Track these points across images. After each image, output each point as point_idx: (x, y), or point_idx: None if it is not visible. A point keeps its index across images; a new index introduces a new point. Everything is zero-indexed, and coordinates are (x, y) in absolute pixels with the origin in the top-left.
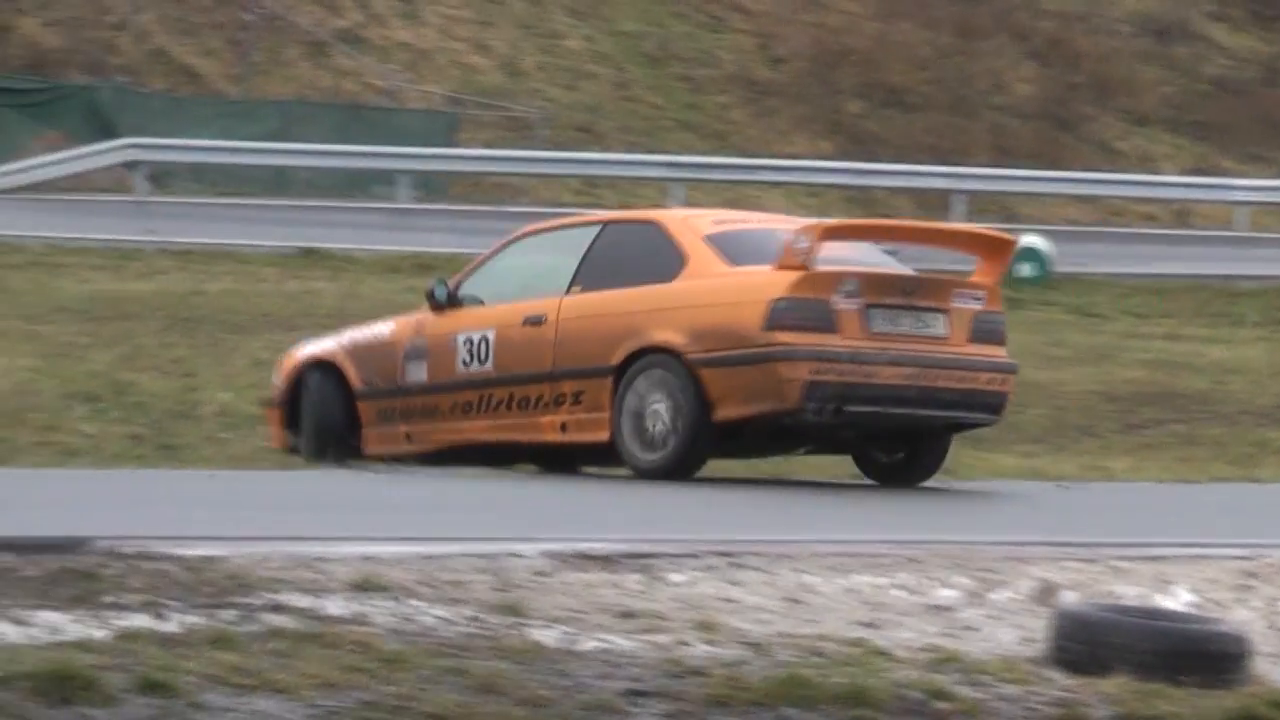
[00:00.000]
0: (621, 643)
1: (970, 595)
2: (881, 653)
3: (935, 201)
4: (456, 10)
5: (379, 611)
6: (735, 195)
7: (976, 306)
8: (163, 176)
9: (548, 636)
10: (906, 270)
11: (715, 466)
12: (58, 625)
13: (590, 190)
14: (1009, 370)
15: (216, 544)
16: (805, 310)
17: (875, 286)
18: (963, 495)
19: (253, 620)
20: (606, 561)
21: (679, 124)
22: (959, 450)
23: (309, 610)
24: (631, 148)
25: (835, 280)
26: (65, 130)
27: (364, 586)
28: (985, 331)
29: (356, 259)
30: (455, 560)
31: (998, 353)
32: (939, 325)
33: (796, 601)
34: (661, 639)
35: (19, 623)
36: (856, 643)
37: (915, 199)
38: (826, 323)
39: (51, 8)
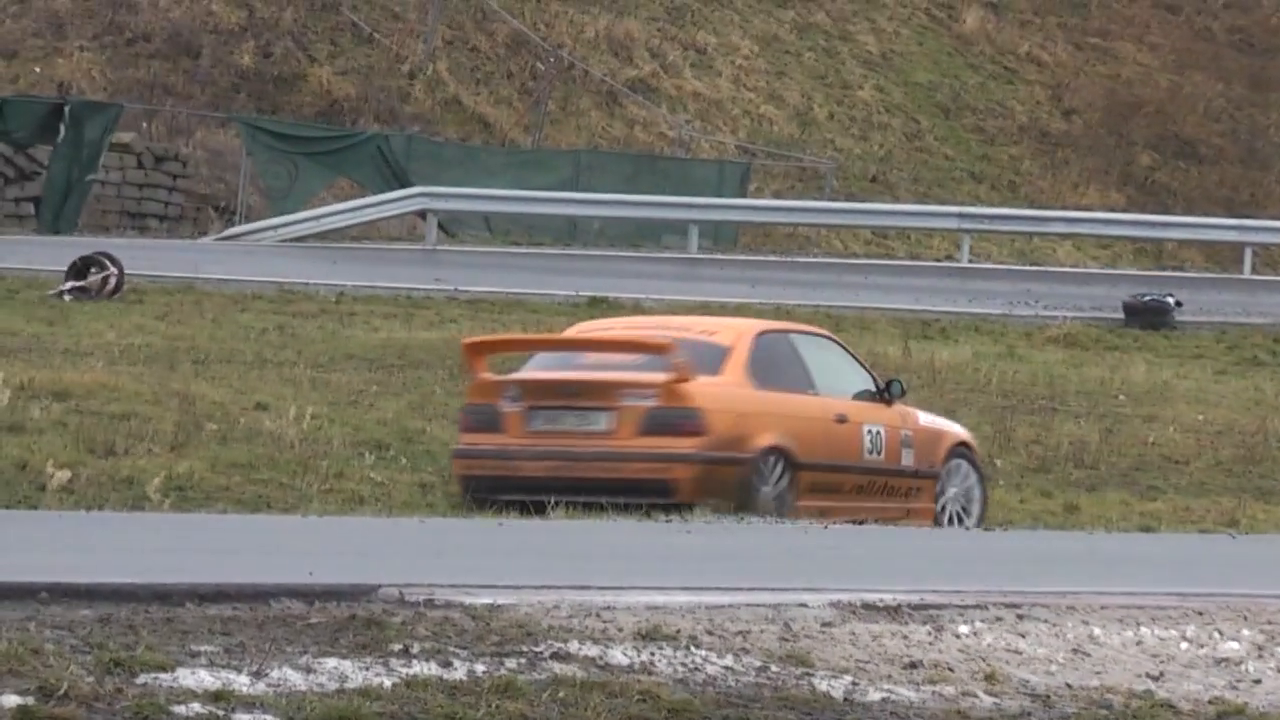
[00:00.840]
0: (907, 694)
1: (1257, 648)
2: (1167, 705)
3: (1227, 254)
4: (749, 60)
5: (664, 660)
6: (1025, 246)
7: (649, 403)
8: (453, 225)
9: (833, 687)
10: (574, 375)
11: (1011, 515)
12: (344, 673)
13: (881, 240)
14: (674, 459)
15: (503, 592)
16: (479, 414)
17: (536, 391)
18: (1250, 547)
19: (538, 669)
20: (893, 612)
21: (969, 175)
22: (1246, 502)
23: (594, 659)
24: (922, 198)
25: (500, 387)
26: (356, 179)
27: (650, 635)
28: (660, 424)
29: (645, 308)
30: (742, 610)
31: (673, 443)
32: (601, 422)
33: (1082, 653)
34: (947, 690)
35: (306, 670)
36: (1142, 695)
37: (1205, 251)
38: (494, 424)
39: (345, 56)
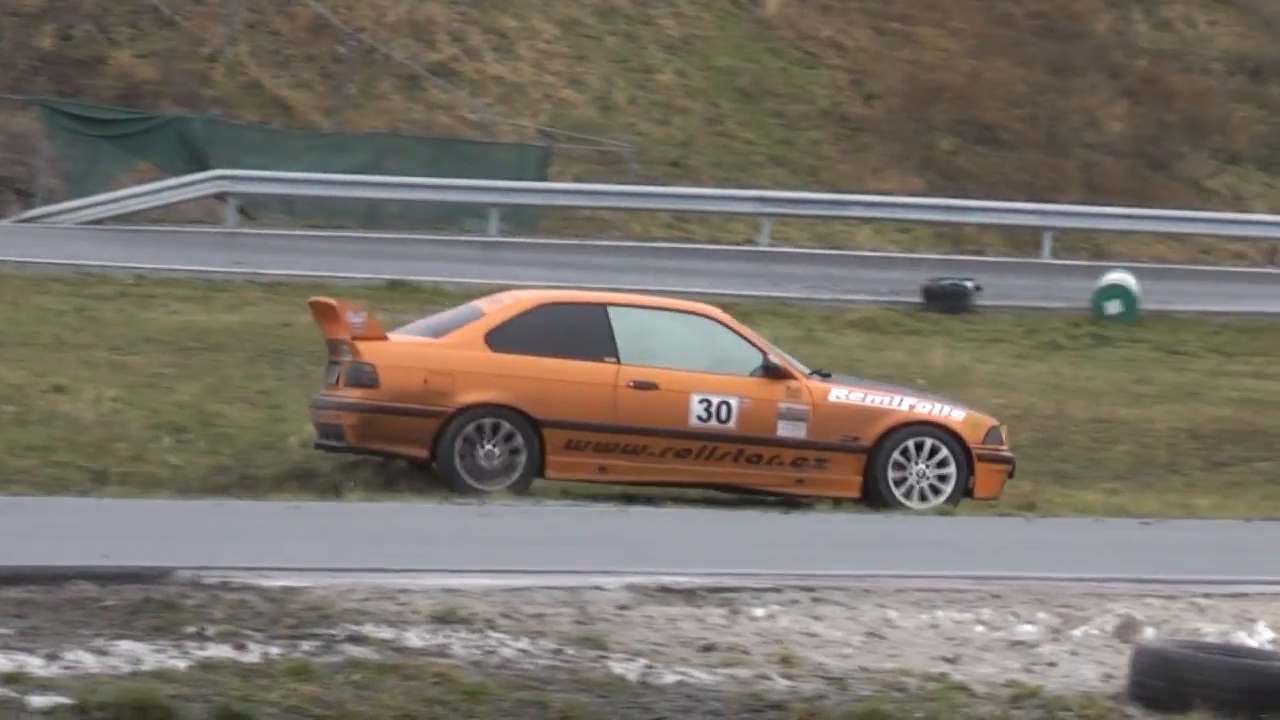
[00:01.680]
0: (702, 676)
1: (1052, 631)
2: (962, 688)
3: (1026, 239)
4: (550, 44)
5: (460, 643)
6: (825, 231)
7: (348, 359)
8: (253, 208)
9: (628, 670)
10: (338, 335)
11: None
12: (138, 655)
13: (681, 225)
14: (344, 408)
15: (299, 575)
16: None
17: (329, 349)
18: (1046, 531)
19: (333, 651)
20: (689, 595)
21: (770, 159)
22: (1043, 486)
23: (390, 642)
24: (722, 183)
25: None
26: (157, 162)
27: (446, 618)
28: (349, 378)
29: (445, 292)
30: (537, 593)
31: (350, 394)
32: (333, 376)
33: (877, 636)
34: (742, 673)
35: (100, 653)
36: (937, 678)
37: (1005, 236)
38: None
39: (146, 39)
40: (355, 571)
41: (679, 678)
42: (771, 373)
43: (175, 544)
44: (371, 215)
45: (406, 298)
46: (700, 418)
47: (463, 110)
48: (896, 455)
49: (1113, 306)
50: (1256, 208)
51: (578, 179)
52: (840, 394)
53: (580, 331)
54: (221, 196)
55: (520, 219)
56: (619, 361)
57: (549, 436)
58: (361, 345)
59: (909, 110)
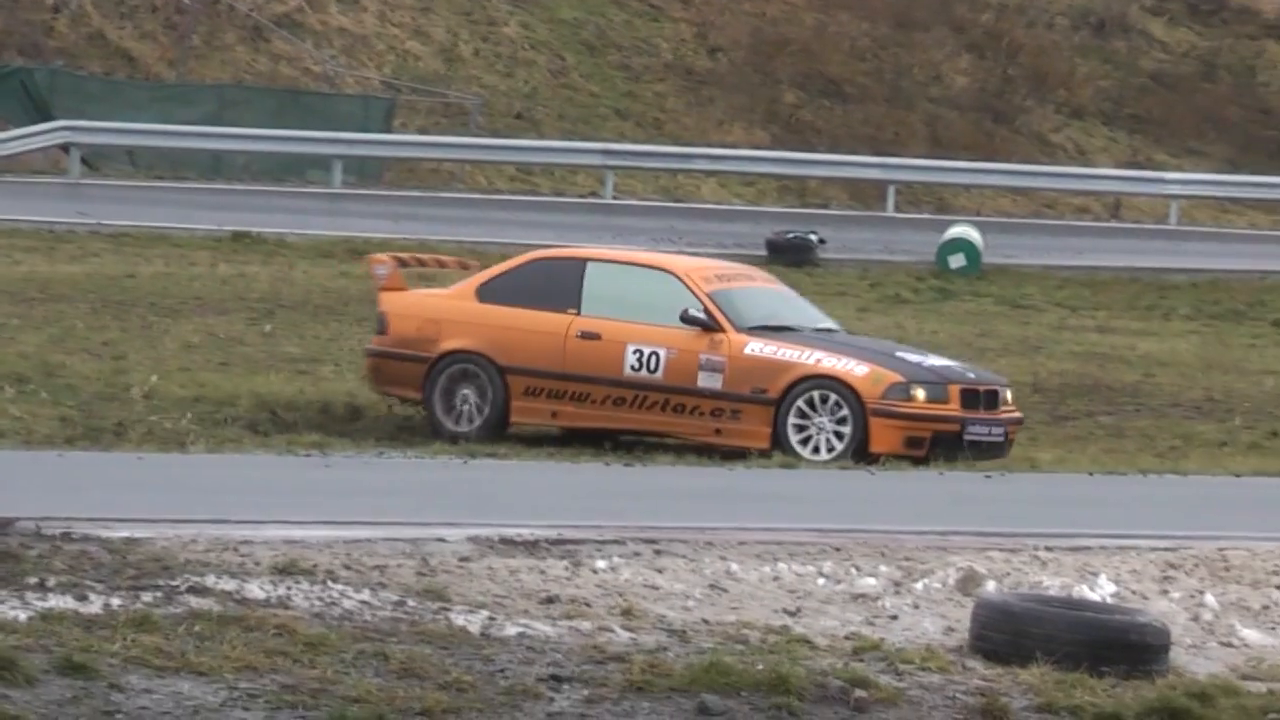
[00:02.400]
0: (544, 629)
1: (893, 584)
2: (803, 640)
3: (870, 192)
4: None
5: (302, 595)
6: (670, 184)
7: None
8: (97, 159)
9: (470, 622)
10: None
11: (637, 446)
12: None
13: (525, 177)
14: (369, 353)
15: (141, 526)
16: None
17: None
18: (888, 484)
19: (175, 602)
20: (531, 547)
21: (615, 112)
22: None
23: (232, 593)
24: (567, 135)
25: None
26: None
27: (288, 570)
28: (376, 326)
29: (289, 243)
30: (380, 544)
31: (374, 341)
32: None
33: (720, 589)
34: (584, 625)
35: None
36: (779, 630)
37: (850, 189)
38: None
39: None
40: (197, 523)
41: (521, 630)
42: (695, 324)
43: (16, 495)
44: (215, 166)
45: (250, 249)
46: (633, 367)
47: (307, 62)
48: (800, 406)
49: (956, 260)
50: (1100, 162)
51: (422, 131)
52: (755, 347)
53: (556, 284)
54: (65, 147)
55: (364, 171)
56: (579, 313)
57: (512, 383)
58: (383, 295)
59: (753, 63)
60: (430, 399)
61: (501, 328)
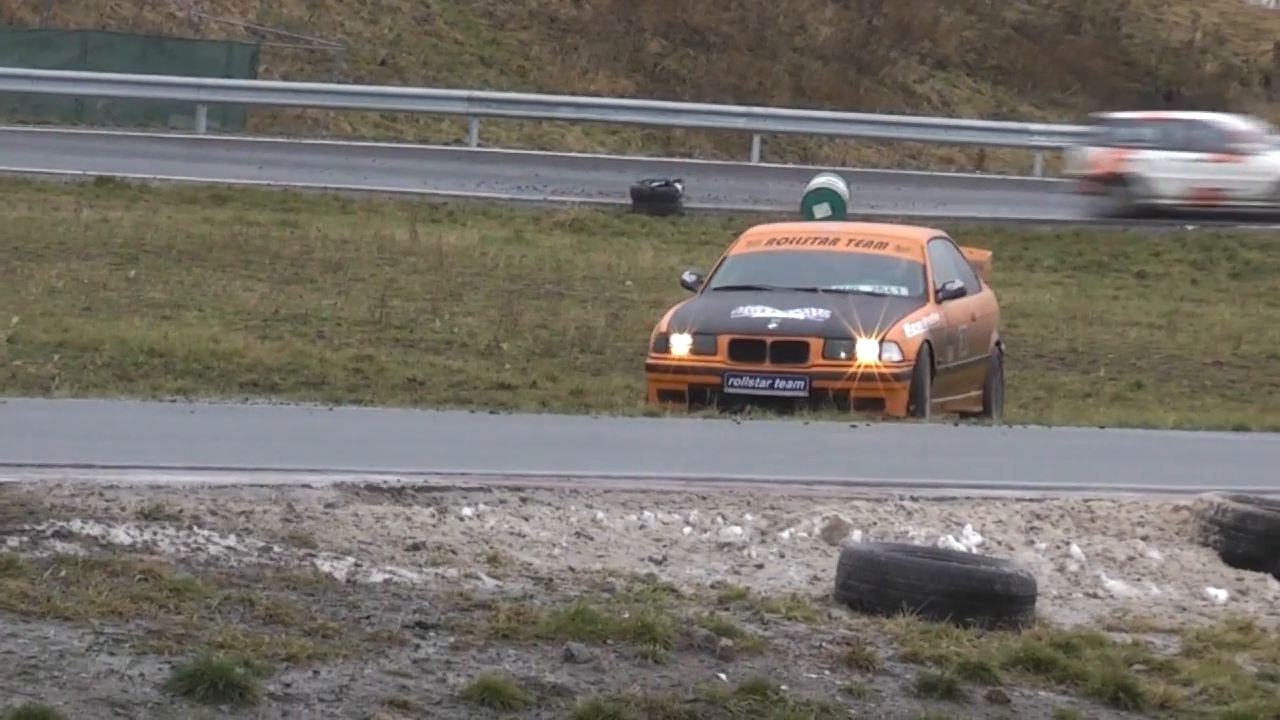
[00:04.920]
0: (409, 575)
1: (759, 533)
2: (669, 589)
3: (735, 141)
4: None
5: (167, 540)
6: (534, 132)
7: None
8: None
9: (336, 568)
10: None
11: (510, 398)
12: None
13: (390, 124)
14: None
15: (5, 470)
16: None
17: None
18: (754, 433)
19: (40, 547)
20: (397, 494)
21: (479, 60)
22: None
23: (97, 538)
24: (431, 82)
25: None
26: None
27: (153, 515)
28: None
29: (153, 189)
30: (245, 490)
31: None
32: None
33: (586, 537)
34: (449, 572)
35: None
36: (644, 579)
37: (714, 139)
38: None
39: None
40: (62, 467)
41: (387, 576)
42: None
43: None
44: (78, 111)
45: (114, 195)
46: None
47: (170, 7)
48: None
49: (821, 210)
50: (964, 113)
51: (286, 77)
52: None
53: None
54: None
55: (229, 117)
56: None
57: None
58: None
59: (617, 12)
60: None
61: None
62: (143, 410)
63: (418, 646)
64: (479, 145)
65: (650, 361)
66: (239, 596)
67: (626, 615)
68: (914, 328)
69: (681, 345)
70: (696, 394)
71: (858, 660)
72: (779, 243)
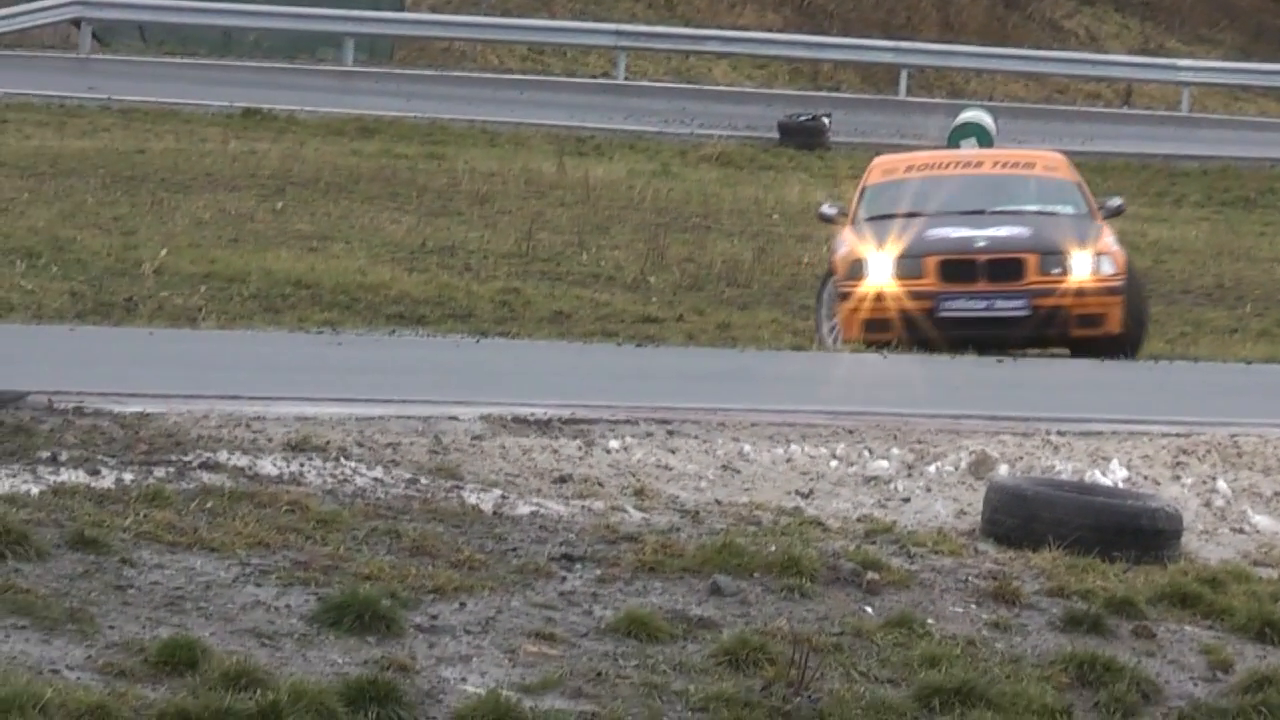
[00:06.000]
0: (556, 508)
1: (906, 467)
2: (815, 522)
3: (882, 76)
4: None
5: (314, 472)
6: (681, 65)
7: None
8: (107, 35)
9: (482, 500)
10: None
11: (656, 331)
12: None
13: (537, 56)
14: None
15: (153, 401)
16: None
17: None
18: (901, 366)
19: (187, 478)
20: (543, 426)
21: None
22: None
23: (244, 469)
24: (579, 15)
25: None
26: None
27: (300, 447)
28: None
29: (300, 121)
30: (392, 422)
31: None
32: None
33: (732, 470)
34: (596, 505)
35: None
36: (791, 512)
37: (861, 73)
38: None
39: None
40: (209, 399)
41: (533, 509)
42: (827, 221)
43: (28, 369)
44: (226, 43)
45: (261, 127)
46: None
47: None
48: (825, 297)
49: (968, 144)
50: (1112, 48)
51: (434, 9)
52: (840, 240)
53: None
54: (76, 22)
55: (376, 49)
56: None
57: None
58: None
59: None
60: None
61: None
62: (289, 342)
63: (564, 579)
64: (626, 79)
65: (845, 289)
66: (385, 528)
67: (773, 549)
68: (1114, 241)
69: (882, 270)
70: (906, 321)
71: (1004, 594)
72: (919, 169)
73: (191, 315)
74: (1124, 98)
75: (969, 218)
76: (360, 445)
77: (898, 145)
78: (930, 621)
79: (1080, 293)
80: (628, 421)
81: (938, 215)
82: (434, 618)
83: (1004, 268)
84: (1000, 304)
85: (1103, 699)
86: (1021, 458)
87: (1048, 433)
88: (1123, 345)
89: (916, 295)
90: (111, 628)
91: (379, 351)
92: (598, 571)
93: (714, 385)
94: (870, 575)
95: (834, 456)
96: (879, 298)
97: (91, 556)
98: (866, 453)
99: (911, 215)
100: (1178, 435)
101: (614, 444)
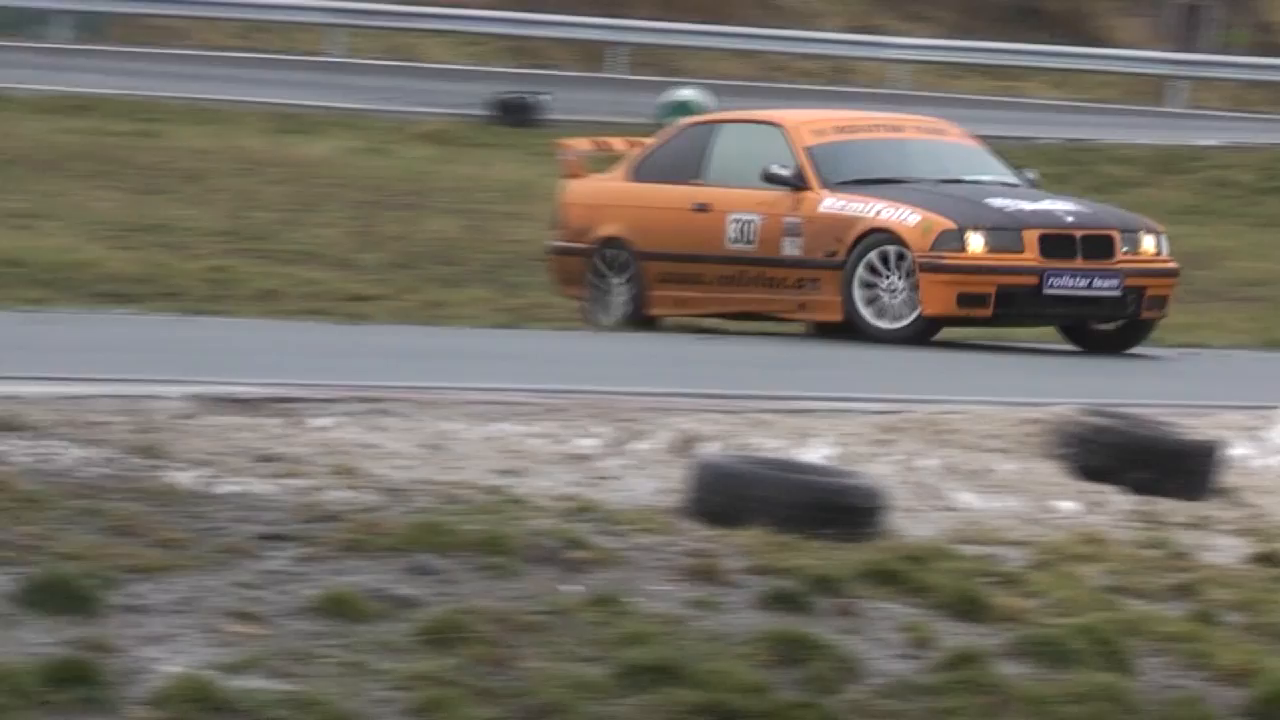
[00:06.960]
0: (259, 486)
1: (611, 445)
2: (519, 500)
3: (596, 53)
4: None
5: (16, 451)
6: (398, 42)
7: None
8: None
9: (185, 479)
10: None
11: (366, 310)
12: None
13: (251, 34)
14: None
15: None
16: None
17: None
18: (609, 344)
19: None
20: (251, 405)
21: None
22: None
23: None
24: None
25: None
26: None
27: (5, 426)
28: None
29: (11, 98)
30: (96, 401)
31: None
32: None
33: (437, 448)
34: (299, 483)
35: None
36: (494, 490)
37: (576, 50)
38: None
39: None
40: None
41: (238, 487)
42: (779, 183)
43: None
44: None
45: None
46: (733, 239)
47: None
48: (864, 268)
49: None
50: (826, 26)
51: None
52: (830, 203)
53: (693, 154)
54: None
55: (91, 26)
56: (702, 184)
57: (647, 269)
58: (565, 184)
59: None
60: (586, 292)
61: (641, 208)
62: None
63: (267, 558)
64: (342, 56)
65: (938, 262)
66: (88, 508)
67: (477, 527)
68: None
69: (978, 242)
70: (1005, 297)
71: (707, 572)
72: (848, 131)
73: None
74: (838, 75)
75: (945, 189)
76: (64, 424)
77: (615, 124)
78: (633, 599)
79: (1161, 273)
80: (335, 400)
81: (901, 185)
82: (135, 597)
83: (1097, 245)
84: (1098, 283)
85: (804, 676)
86: (728, 436)
87: (755, 411)
88: (1151, 330)
89: (1021, 271)
90: None
91: (87, 330)
92: (301, 550)
93: (423, 363)
94: (573, 553)
95: (542, 435)
96: (976, 270)
97: None
98: (572, 431)
99: (889, 182)
100: (884, 413)
101: (321, 422)
